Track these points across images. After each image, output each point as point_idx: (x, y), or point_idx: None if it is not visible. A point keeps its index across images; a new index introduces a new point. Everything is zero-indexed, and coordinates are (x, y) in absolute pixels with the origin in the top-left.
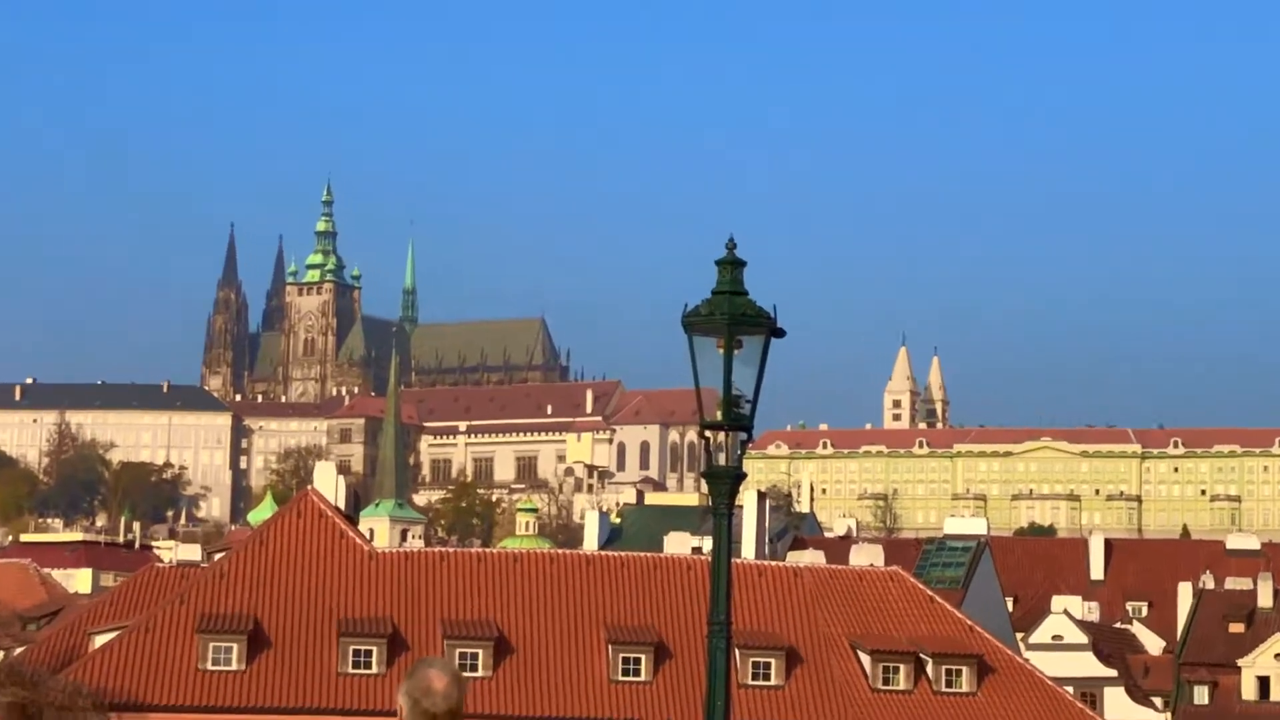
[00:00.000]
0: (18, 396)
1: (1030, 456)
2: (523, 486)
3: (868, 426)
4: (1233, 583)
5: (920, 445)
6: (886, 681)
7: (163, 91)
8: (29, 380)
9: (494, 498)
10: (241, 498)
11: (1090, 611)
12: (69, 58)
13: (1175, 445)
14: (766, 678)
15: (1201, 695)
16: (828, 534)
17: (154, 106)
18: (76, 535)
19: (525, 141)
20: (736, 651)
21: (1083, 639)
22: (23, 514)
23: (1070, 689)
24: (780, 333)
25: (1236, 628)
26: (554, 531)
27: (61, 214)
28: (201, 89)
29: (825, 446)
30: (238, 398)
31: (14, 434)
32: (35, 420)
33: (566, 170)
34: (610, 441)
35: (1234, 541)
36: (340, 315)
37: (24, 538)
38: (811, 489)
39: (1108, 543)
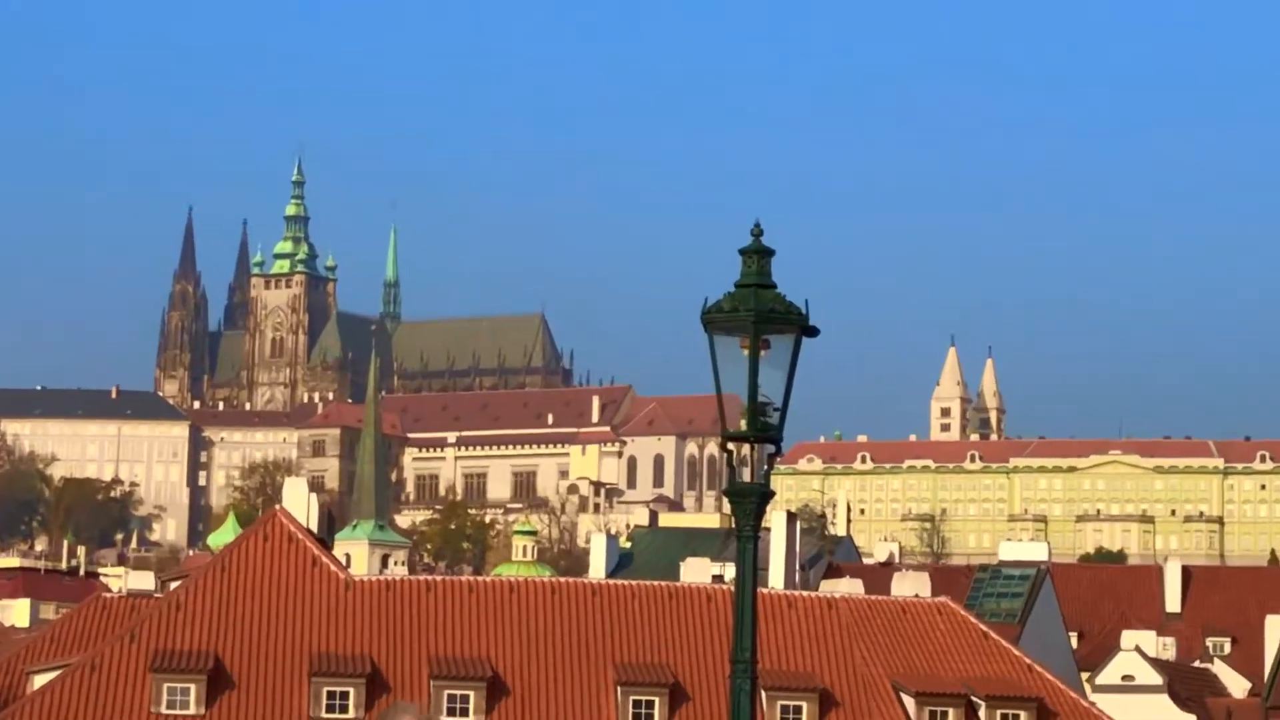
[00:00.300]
0: None
1: (1097, 472)
2: (520, 506)
3: (912, 438)
4: None
5: (972, 459)
6: None
7: (105, 55)
8: None
9: (487, 519)
10: (200, 519)
11: (1165, 648)
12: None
13: (1262, 460)
14: None
15: None
16: (866, 560)
17: (95, 71)
18: (12, 561)
19: (522, 115)
20: (763, 694)
21: (1157, 679)
22: None
23: None
24: (813, 331)
25: None
26: (555, 557)
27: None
28: (152, 53)
29: (864, 461)
30: (196, 405)
31: None
32: None
33: (568, 148)
34: (619, 455)
35: None
36: (313, 311)
37: None
38: (848, 509)
39: (1185, 570)
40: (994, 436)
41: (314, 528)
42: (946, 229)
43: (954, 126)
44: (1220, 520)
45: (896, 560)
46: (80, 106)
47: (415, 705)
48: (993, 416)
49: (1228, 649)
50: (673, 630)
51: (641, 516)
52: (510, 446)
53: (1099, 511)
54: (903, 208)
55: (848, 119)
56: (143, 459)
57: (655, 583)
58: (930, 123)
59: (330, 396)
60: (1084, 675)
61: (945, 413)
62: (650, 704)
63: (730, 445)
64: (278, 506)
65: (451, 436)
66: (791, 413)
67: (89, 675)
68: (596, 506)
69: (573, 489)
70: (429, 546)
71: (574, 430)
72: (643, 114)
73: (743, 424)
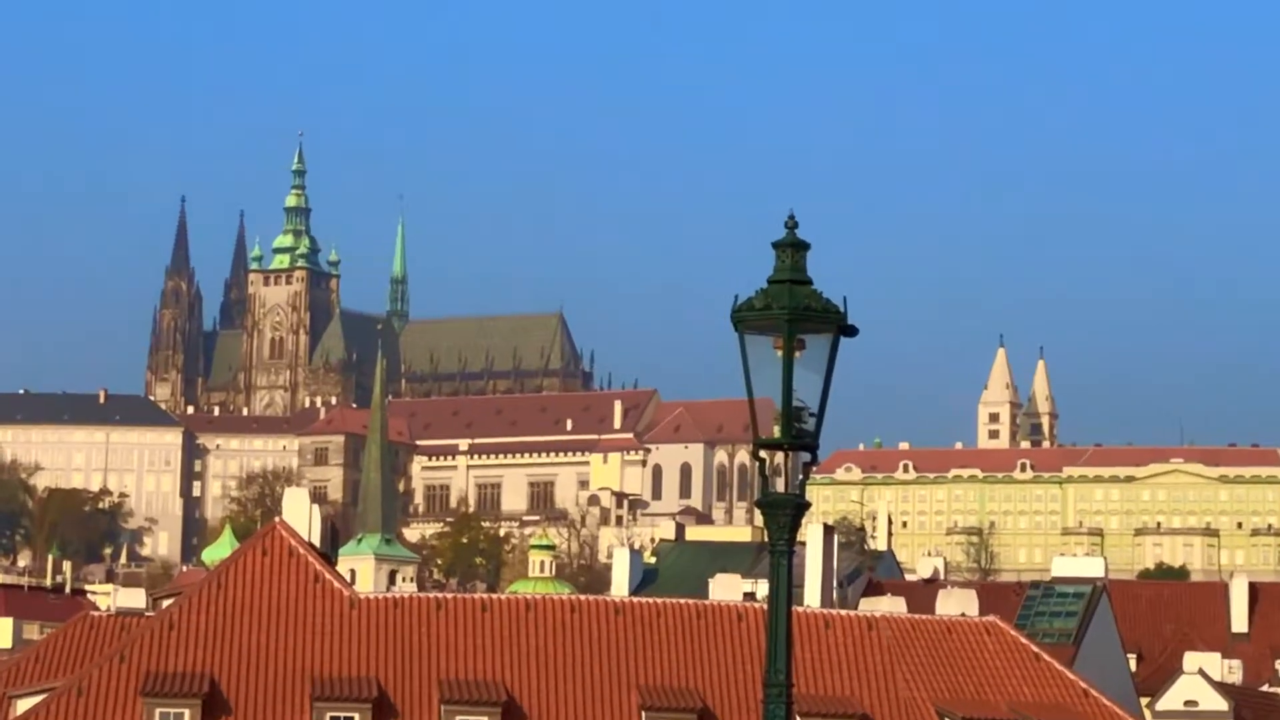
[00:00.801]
0: None
1: (1157, 482)
2: (537, 518)
3: (958, 445)
4: None
5: (1022, 468)
6: None
7: (90, 35)
8: None
9: (502, 532)
10: (195, 532)
11: (1231, 671)
12: None
13: None
14: None
15: None
16: (909, 576)
17: (79, 53)
18: None
19: (538, 101)
20: (798, 719)
21: (1222, 705)
22: None
23: None
24: (852, 330)
25: None
26: (575, 574)
27: None
28: (139, 32)
29: (906, 470)
30: (190, 410)
31: None
32: None
33: (586, 134)
34: (643, 464)
35: None
36: (314, 309)
37: None
38: (890, 521)
39: (1253, 587)
40: (1046, 444)
41: (316, 542)
42: (994, 221)
43: (1001, 114)
44: None
45: (941, 577)
46: (63, 87)
47: None
48: (1044, 422)
49: None
50: (701, 652)
51: (667, 530)
52: (526, 455)
53: (1159, 524)
54: (947, 198)
55: (887, 106)
56: (133, 468)
57: (682, 601)
58: (976, 110)
59: (333, 401)
60: (1143, 700)
61: (993, 418)
62: None
63: (763, 453)
64: (277, 519)
65: (463, 444)
66: (828, 418)
67: (76, 699)
68: (619, 519)
69: (593, 500)
70: (439, 562)
71: (594, 437)
72: (667, 99)
73: (776, 430)
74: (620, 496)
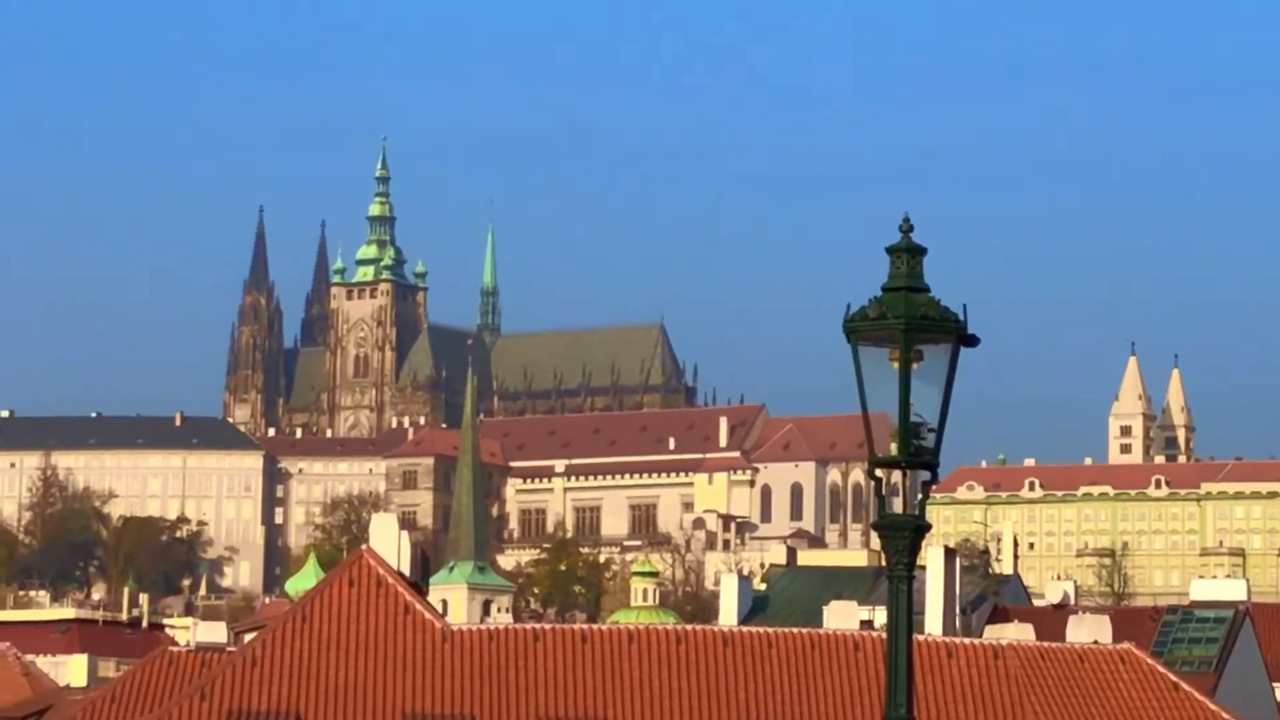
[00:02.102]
0: None
1: None
2: (639, 543)
3: (1088, 462)
4: None
5: (1157, 485)
6: None
7: (163, 39)
8: (5, 413)
9: (601, 558)
10: (277, 561)
11: None
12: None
13: None
14: None
15: None
16: (1037, 602)
17: (151, 58)
18: (67, 611)
19: (635, 100)
20: None
21: None
22: None
23: None
24: (972, 340)
25: None
26: (680, 602)
27: (39, 201)
28: (213, 34)
29: (1033, 488)
30: (270, 432)
31: None
32: (13, 464)
33: (687, 136)
34: (751, 484)
35: None
36: (401, 324)
37: (0, 615)
38: (1016, 543)
39: None
40: (1182, 458)
41: (406, 571)
42: (1124, 221)
43: (1126, 108)
44: None
45: (1071, 602)
46: (132, 94)
47: None
48: (1180, 435)
49: None
50: (815, 684)
51: (778, 554)
52: (626, 476)
53: None
54: (1072, 198)
55: (1005, 101)
56: (211, 494)
57: (795, 630)
58: (1100, 104)
59: (422, 421)
60: None
61: (1126, 431)
62: None
63: (879, 472)
64: (364, 547)
65: (560, 465)
66: (949, 434)
67: None
68: (726, 543)
69: (698, 523)
70: (536, 590)
71: (699, 456)
72: (774, 98)
73: (893, 447)
74: (727, 519)
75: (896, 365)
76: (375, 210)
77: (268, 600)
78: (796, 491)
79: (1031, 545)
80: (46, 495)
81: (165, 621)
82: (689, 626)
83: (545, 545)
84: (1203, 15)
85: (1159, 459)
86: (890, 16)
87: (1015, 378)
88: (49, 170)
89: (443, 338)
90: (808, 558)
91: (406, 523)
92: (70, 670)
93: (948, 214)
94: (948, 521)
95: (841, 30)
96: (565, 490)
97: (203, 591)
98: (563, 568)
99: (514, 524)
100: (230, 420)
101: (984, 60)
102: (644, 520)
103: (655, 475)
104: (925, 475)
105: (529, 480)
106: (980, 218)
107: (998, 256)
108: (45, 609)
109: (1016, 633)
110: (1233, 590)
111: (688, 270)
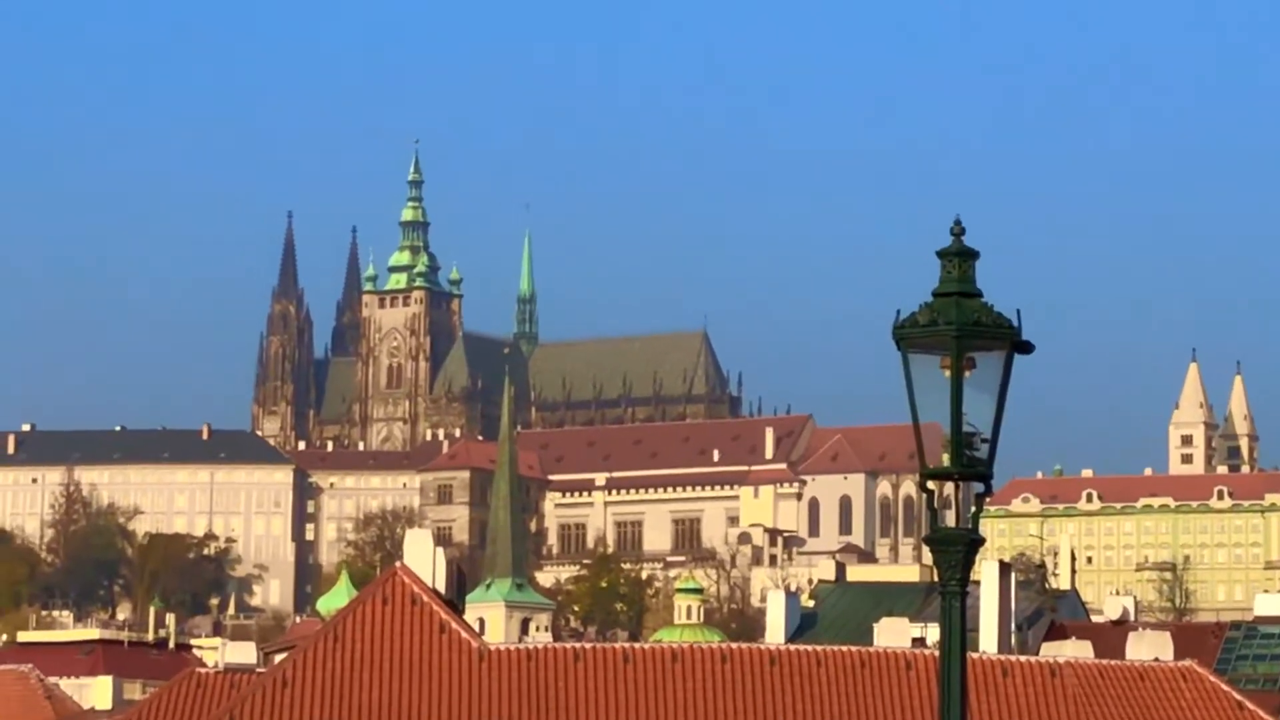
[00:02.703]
0: (11, 449)
1: None
2: (682, 559)
3: (1147, 472)
4: None
5: (1220, 496)
6: None
7: (188, 37)
8: (26, 427)
9: (644, 575)
10: (308, 579)
11: None
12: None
13: None
14: None
15: None
16: (1095, 618)
17: (177, 58)
18: (91, 632)
19: (677, 99)
20: None
21: None
22: (20, 605)
23: None
24: (1027, 347)
25: None
26: (725, 619)
27: (60, 207)
28: (243, 35)
29: (1090, 500)
30: (301, 446)
31: (7, 498)
32: (35, 480)
33: (729, 136)
34: (798, 497)
35: None
36: (435, 333)
37: (22, 636)
38: (1073, 557)
39: None
40: (1245, 468)
41: (441, 588)
42: (1185, 223)
43: (1186, 107)
44: None
45: (1131, 617)
46: (160, 101)
47: None
48: (1243, 444)
49: None
50: (865, 705)
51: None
52: (669, 489)
53: None
54: (1129, 197)
55: (1059, 101)
56: (240, 510)
57: (844, 648)
58: (1158, 103)
59: (457, 433)
60: None
61: (1186, 441)
62: None
63: (930, 484)
64: (398, 564)
65: (600, 478)
66: (1003, 444)
67: None
68: (773, 558)
69: (744, 538)
70: (576, 608)
71: (744, 468)
72: (815, 97)
73: (945, 458)
74: (774, 534)
75: (948, 373)
76: (408, 215)
77: (298, 620)
78: (845, 504)
79: (1089, 559)
80: (69, 512)
81: (192, 642)
82: (734, 645)
83: (585, 561)
84: (1271, 15)
85: (1221, 469)
86: (940, 13)
87: (1072, 385)
88: (68, 175)
89: (478, 346)
90: (857, 573)
91: (442, 539)
92: (94, 693)
93: (1001, 216)
94: (1002, 535)
95: (891, 29)
96: (606, 504)
97: (231, 611)
98: (603, 584)
99: (553, 539)
100: (259, 433)
101: (1041, 58)
102: (687, 535)
103: (699, 488)
104: (979, 487)
105: (568, 494)
106: (1034, 220)
107: (1052, 260)
108: (68, 629)
109: (1074, 650)
110: None
111: (732, 275)
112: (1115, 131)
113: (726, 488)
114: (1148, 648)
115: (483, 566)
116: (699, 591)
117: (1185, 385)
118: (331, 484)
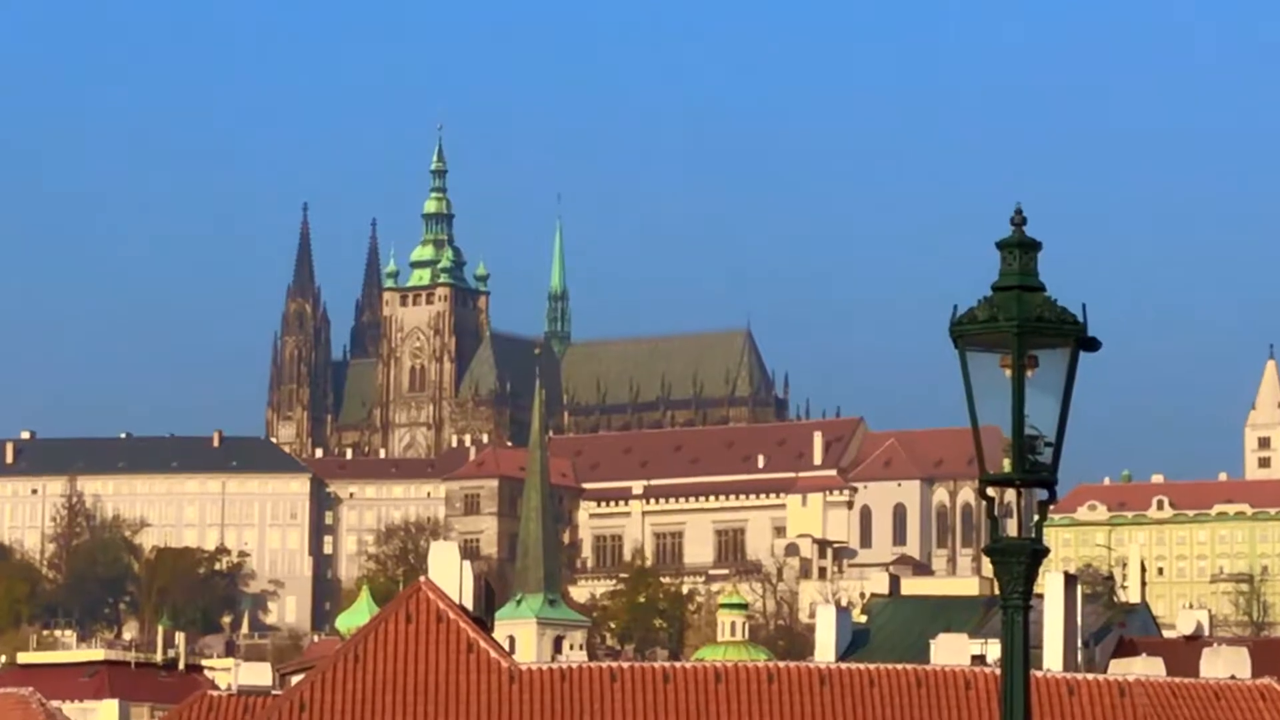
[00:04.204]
0: (10, 458)
1: None
2: (726, 572)
3: (1222, 477)
4: None
5: None
6: None
7: (198, 23)
8: (25, 435)
9: (685, 589)
10: (326, 595)
11: None
12: None
13: None
14: None
15: None
16: (1167, 633)
17: (186, 47)
18: (96, 653)
19: (717, 84)
20: None
21: None
22: (20, 624)
23: None
24: (1093, 344)
25: None
26: (772, 636)
27: (59, 201)
28: (255, 18)
29: (1162, 507)
30: (318, 453)
31: (6, 511)
32: (35, 490)
33: (775, 124)
34: (849, 505)
35: None
36: (461, 333)
37: (23, 657)
38: (1143, 569)
39: None
40: None
41: (469, 605)
42: (1258, 215)
43: (1251, 89)
44: None
45: (1206, 632)
46: (167, 89)
47: None
48: None
49: None
50: None
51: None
52: (711, 497)
53: None
54: (1201, 189)
55: (1127, 87)
56: (254, 522)
57: (899, 666)
58: (1219, 87)
59: (485, 439)
60: None
61: (1264, 444)
62: None
63: (990, 491)
64: (422, 579)
65: (637, 486)
66: (1068, 448)
67: None
68: (822, 571)
69: (791, 549)
70: (612, 625)
71: (791, 475)
72: (863, 87)
73: (1006, 464)
74: (823, 545)
75: (1009, 372)
76: (431, 207)
77: (316, 639)
78: (899, 513)
79: (1161, 570)
80: (72, 525)
81: (204, 663)
82: (782, 664)
83: (622, 575)
84: None
85: None
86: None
87: (1141, 385)
88: (68, 172)
89: (507, 347)
90: (912, 586)
91: (469, 552)
92: (101, 716)
93: (1064, 205)
94: (1068, 545)
95: (942, 14)
96: (644, 514)
97: (245, 629)
98: (642, 599)
99: (587, 552)
100: (273, 440)
101: (1112, 41)
102: (731, 546)
103: (743, 496)
104: (1042, 494)
105: (603, 503)
106: (1100, 209)
107: (1120, 252)
108: (72, 650)
109: (1145, 667)
110: None
111: (777, 270)
112: (1186, 122)
113: (772, 496)
114: (1223, 665)
115: (513, 581)
116: (743, 607)
117: (1262, 383)
118: (351, 494)
